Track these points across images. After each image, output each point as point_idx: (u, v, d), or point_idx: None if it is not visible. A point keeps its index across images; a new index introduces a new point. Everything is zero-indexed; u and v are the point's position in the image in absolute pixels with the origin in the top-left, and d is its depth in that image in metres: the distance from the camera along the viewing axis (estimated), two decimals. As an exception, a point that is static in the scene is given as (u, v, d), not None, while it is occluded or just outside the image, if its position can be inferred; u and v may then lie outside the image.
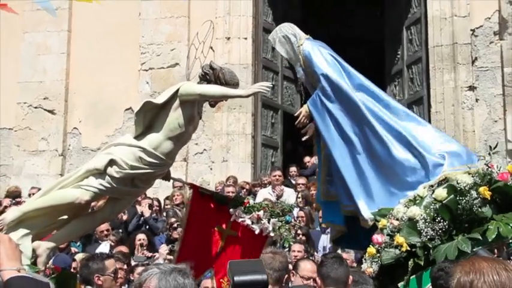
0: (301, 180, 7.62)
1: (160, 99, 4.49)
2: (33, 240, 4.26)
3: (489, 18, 8.32)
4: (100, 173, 4.48)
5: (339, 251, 5.40)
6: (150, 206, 7.38)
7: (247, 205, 4.85)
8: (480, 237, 3.58)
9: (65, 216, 4.48)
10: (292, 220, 5.99)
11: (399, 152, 4.27)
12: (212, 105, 5.02)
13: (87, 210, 4.69)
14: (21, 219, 4.33)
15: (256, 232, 4.71)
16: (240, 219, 4.66)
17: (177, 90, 4.43)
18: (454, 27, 8.34)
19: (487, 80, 8.41)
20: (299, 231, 5.86)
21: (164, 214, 7.50)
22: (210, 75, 4.45)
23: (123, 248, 5.69)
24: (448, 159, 4.18)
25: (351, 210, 4.31)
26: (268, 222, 4.77)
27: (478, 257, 1.95)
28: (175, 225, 6.63)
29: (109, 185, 4.46)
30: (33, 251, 4.18)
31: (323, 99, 4.41)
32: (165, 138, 4.49)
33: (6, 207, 7.09)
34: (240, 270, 2.28)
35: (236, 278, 2.19)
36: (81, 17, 9.44)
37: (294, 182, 8.08)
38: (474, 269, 1.66)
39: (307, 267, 3.82)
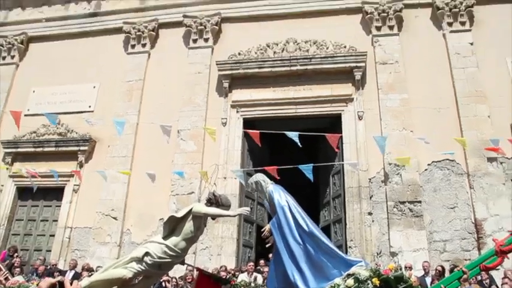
0: (266, 269, 8.42)
1: (179, 214, 5.67)
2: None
3: (378, 172, 10.82)
4: (139, 260, 5.54)
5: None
6: (169, 281, 8.76)
7: (233, 283, 6.86)
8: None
9: (115, 287, 5.54)
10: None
11: (325, 255, 5.34)
12: (213, 219, 6.55)
13: (130, 283, 5.59)
14: (91, 285, 5.57)
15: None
16: (229, 292, 6.03)
17: (191, 209, 5.63)
18: (359, 177, 10.78)
19: (378, 209, 10.55)
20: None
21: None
22: (213, 199, 5.80)
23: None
24: (354, 261, 5.35)
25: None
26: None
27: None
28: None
29: (144, 268, 5.49)
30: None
31: (278, 222, 5.58)
32: (181, 239, 5.53)
33: (82, 275, 8.86)
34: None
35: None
36: (138, 160, 12.02)
37: (262, 270, 9.33)
38: None
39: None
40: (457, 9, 12.32)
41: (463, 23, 12.26)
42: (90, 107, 13.26)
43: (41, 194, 12.53)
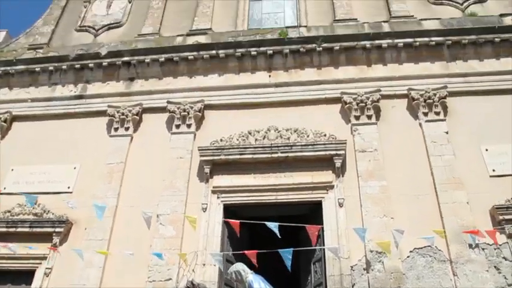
0: None
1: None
2: None
3: (360, 260, 10.77)
4: None
5: None
6: None
7: None
8: None
9: None
10: None
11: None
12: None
13: None
14: None
15: None
16: None
17: None
18: (341, 264, 10.69)
19: (360, 290, 10.48)
20: None
21: None
22: (191, 288, 5.95)
23: None
24: None
25: None
26: None
27: None
28: None
29: None
30: None
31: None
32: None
33: None
34: None
35: None
36: (115, 244, 11.63)
37: None
38: None
39: None
40: (431, 100, 13.03)
41: (437, 113, 12.88)
42: (69, 188, 13.13)
43: (8, 278, 12.01)
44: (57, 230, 12.30)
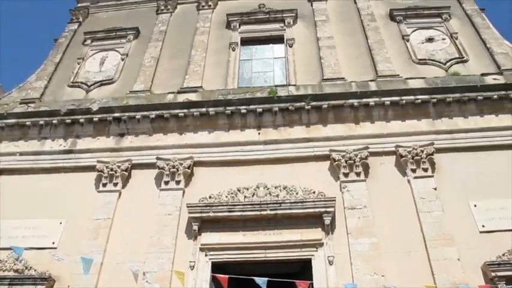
0: None
1: None
2: None
3: None
4: None
5: None
6: None
7: None
8: None
9: None
10: None
11: None
12: None
13: None
14: None
15: None
16: None
17: None
18: None
19: None
20: None
21: None
22: None
23: None
24: None
25: None
26: None
27: None
28: None
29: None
30: None
31: None
32: None
33: None
34: None
35: None
36: None
37: None
38: None
39: None
40: (419, 157, 13.19)
41: (425, 169, 13.02)
42: (53, 243, 12.85)
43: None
44: (39, 287, 11.91)
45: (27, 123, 15.51)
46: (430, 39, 17.17)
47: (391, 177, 13.03)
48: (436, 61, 16.28)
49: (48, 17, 52.16)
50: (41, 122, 15.45)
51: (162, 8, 20.63)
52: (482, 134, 13.60)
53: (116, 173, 13.97)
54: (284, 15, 18.76)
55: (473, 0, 18.92)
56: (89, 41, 19.47)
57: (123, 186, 13.86)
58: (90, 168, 14.24)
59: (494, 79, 14.94)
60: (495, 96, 14.12)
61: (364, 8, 18.91)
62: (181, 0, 20.99)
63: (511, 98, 14.08)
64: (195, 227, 12.48)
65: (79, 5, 21.90)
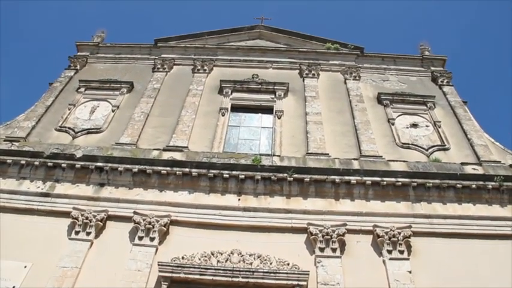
0: None
1: None
2: None
3: None
4: None
5: None
6: None
7: None
8: None
9: None
10: None
11: None
12: None
13: None
14: None
15: None
16: None
17: None
18: None
19: None
20: None
21: None
22: None
23: None
24: None
25: None
26: None
27: None
28: None
29: None
30: None
31: None
32: None
33: None
34: None
35: None
36: None
37: None
38: None
39: None
40: (396, 239, 13.24)
41: (401, 252, 13.01)
42: (14, 287, 12.29)
43: None
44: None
45: (8, 160, 15.33)
46: (414, 125, 17.73)
47: (366, 256, 12.96)
48: (418, 146, 16.72)
49: (45, 60, 52.77)
50: (22, 162, 15.27)
51: (159, 66, 21.14)
52: (460, 221, 13.76)
53: (90, 222, 13.73)
54: (276, 87, 19.33)
55: (457, 93, 19.70)
56: (82, 89, 19.73)
57: (96, 236, 13.57)
58: (65, 214, 13.96)
59: (474, 169, 15.36)
60: (473, 186, 14.44)
61: (354, 89, 19.60)
62: (178, 61, 21.56)
63: (488, 188, 14.40)
64: (164, 287, 12.11)
65: (79, 53, 22.37)
